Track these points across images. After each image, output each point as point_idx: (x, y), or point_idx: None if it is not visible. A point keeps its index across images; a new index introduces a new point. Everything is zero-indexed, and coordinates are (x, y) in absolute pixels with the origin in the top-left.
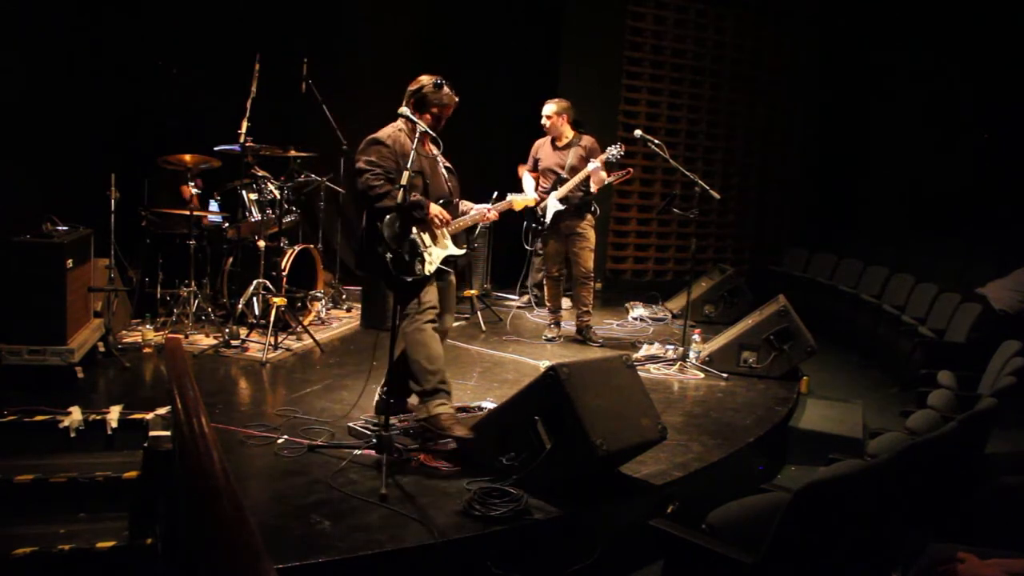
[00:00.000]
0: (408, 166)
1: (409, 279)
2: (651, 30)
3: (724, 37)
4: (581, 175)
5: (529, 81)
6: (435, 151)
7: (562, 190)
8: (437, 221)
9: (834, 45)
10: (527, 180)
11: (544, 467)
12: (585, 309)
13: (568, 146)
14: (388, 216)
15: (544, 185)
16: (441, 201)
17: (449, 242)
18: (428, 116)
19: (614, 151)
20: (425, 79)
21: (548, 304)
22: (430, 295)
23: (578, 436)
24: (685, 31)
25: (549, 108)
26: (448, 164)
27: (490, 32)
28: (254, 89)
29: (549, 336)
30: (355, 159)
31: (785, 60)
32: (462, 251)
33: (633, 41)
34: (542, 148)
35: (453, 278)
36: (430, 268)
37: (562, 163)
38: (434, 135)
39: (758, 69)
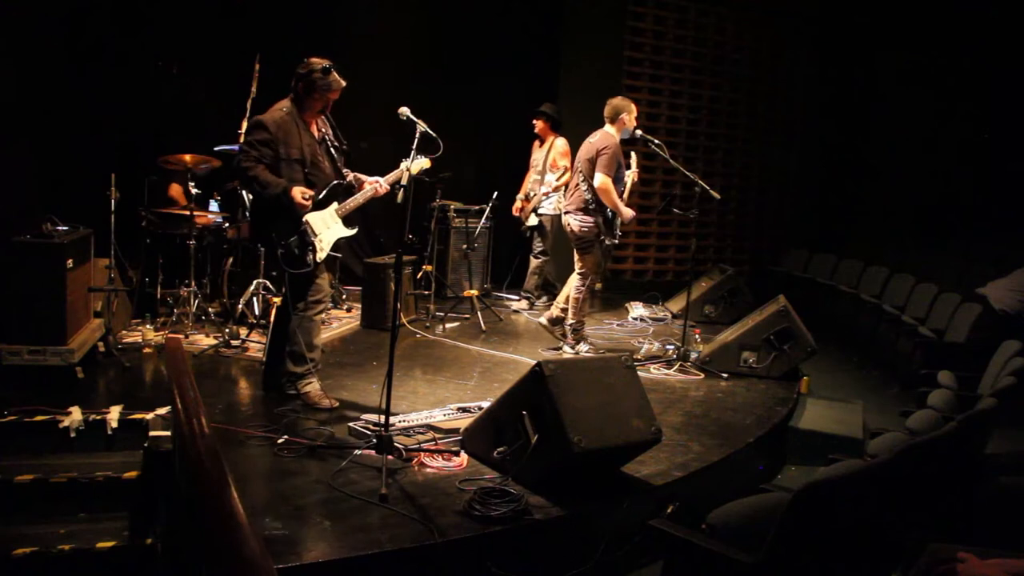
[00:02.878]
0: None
1: (301, 271)
2: (651, 30)
3: (724, 37)
4: (631, 182)
5: (529, 81)
6: (324, 130)
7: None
8: (302, 202)
9: (834, 45)
10: (615, 193)
11: (531, 460)
12: None
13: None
14: (276, 210)
15: (619, 193)
16: (332, 184)
17: (340, 224)
18: (315, 99)
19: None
20: (314, 62)
21: (583, 318)
22: (321, 287)
23: (558, 432)
24: (685, 31)
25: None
26: (336, 143)
27: (490, 32)
28: (254, 89)
29: (585, 351)
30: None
31: (785, 60)
32: (352, 231)
33: (633, 41)
34: (621, 151)
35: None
36: (321, 256)
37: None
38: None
39: (758, 69)
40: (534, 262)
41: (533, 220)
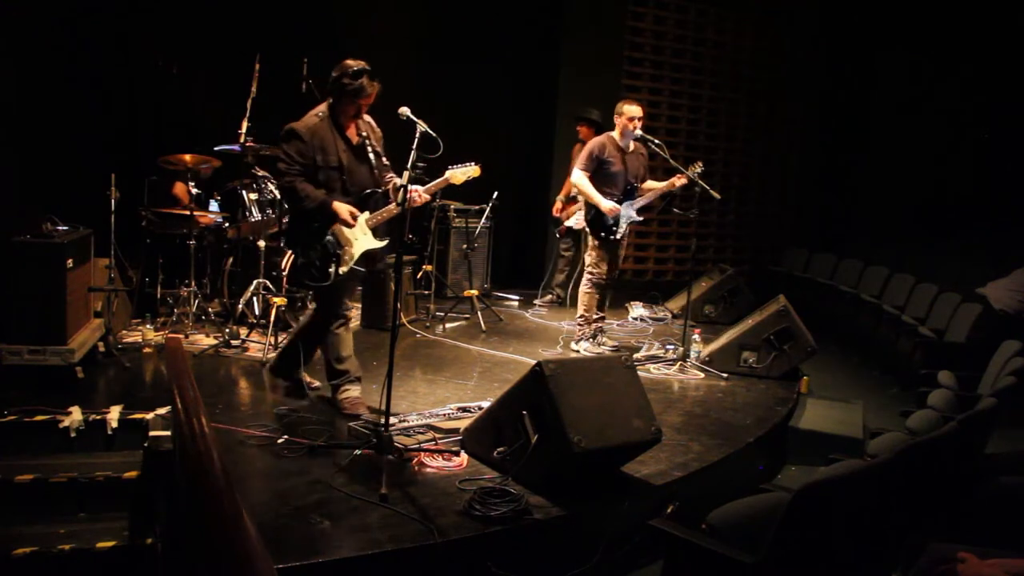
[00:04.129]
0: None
1: (320, 285)
2: (651, 30)
3: (724, 37)
4: (666, 186)
5: (529, 81)
6: (364, 134)
7: (642, 200)
8: (346, 218)
9: (834, 45)
10: (589, 186)
11: (531, 460)
12: (603, 314)
13: (633, 152)
14: (300, 219)
15: (612, 192)
16: (366, 192)
17: (368, 236)
18: (347, 104)
19: (699, 169)
20: (346, 65)
21: (590, 314)
22: (342, 300)
23: (558, 432)
24: (685, 31)
25: (639, 109)
26: (378, 149)
27: (490, 32)
28: (254, 89)
29: (585, 350)
30: (278, 150)
31: (785, 60)
32: (383, 243)
33: (633, 41)
34: (609, 150)
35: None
36: (344, 269)
37: (634, 170)
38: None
39: (758, 69)
40: (561, 260)
41: (571, 221)
